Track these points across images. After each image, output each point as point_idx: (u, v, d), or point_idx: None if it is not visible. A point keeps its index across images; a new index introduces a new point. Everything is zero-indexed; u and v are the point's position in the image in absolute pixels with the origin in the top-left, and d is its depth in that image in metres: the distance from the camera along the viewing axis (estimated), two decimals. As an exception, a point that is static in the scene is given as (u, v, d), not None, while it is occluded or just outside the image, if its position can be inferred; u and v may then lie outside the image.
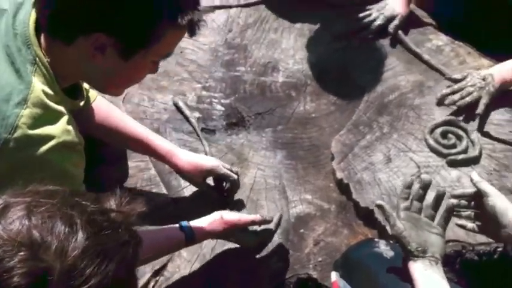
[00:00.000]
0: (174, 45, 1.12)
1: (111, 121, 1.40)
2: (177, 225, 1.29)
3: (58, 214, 0.62)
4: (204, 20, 1.10)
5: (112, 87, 1.18)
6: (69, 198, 0.67)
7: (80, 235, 0.62)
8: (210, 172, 1.43)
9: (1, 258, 0.59)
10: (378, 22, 1.79)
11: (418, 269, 1.10)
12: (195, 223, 1.30)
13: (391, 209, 1.17)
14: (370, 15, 1.81)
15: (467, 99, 1.55)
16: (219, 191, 1.47)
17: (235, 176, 1.44)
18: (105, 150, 1.50)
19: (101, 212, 0.67)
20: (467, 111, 1.57)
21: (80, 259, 0.62)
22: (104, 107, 1.40)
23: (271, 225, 1.37)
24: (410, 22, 1.83)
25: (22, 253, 0.59)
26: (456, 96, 1.57)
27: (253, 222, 1.34)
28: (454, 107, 1.58)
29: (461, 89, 1.58)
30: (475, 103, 1.54)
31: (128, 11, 1.00)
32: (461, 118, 1.57)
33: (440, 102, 1.58)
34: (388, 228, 1.35)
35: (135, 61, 1.07)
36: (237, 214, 1.36)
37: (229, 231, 1.32)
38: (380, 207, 1.18)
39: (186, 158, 1.43)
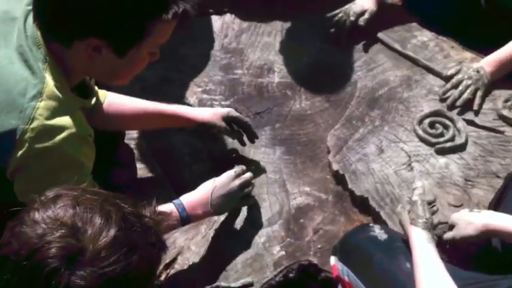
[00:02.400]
0: (166, 36, 1.18)
1: (125, 108, 1.50)
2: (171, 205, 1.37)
3: (98, 208, 0.73)
4: (194, 9, 1.14)
5: (116, 80, 1.26)
6: (110, 199, 0.77)
7: (113, 227, 0.73)
8: (227, 115, 1.57)
9: (45, 233, 0.71)
10: (351, 19, 1.87)
11: (420, 236, 1.18)
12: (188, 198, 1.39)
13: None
14: (339, 14, 1.89)
15: (465, 95, 1.65)
16: (238, 137, 1.61)
17: (248, 120, 1.61)
18: (117, 155, 1.61)
19: (135, 215, 0.78)
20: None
21: (109, 246, 0.72)
22: (115, 99, 1.50)
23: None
24: (394, 19, 1.93)
25: (63, 231, 0.71)
26: (456, 93, 1.66)
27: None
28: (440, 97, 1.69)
29: (459, 82, 1.67)
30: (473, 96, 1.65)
31: (116, 15, 1.08)
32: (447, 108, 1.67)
33: (442, 100, 1.68)
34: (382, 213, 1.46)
35: (131, 56, 1.15)
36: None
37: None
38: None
39: (202, 110, 1.59)
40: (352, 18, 1.87)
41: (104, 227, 0.73)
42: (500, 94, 1.69)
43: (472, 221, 1.24)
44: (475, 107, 1.63)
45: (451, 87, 1.68)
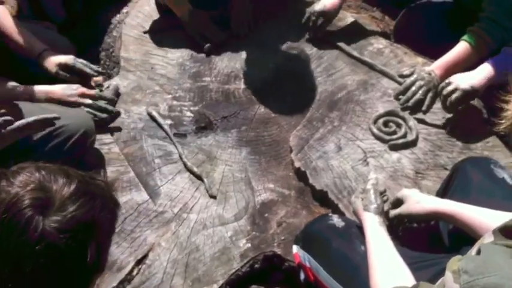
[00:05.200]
0: None
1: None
2: None
3: (59, 171, 0.85)
4: None
5: None
6: (65, 167, 0.88)
7: (74, 182, 0.86)
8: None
9: (17, 192, 0.82)
10: (312, 18, 2.01)
11: (372, 219, 1.29)
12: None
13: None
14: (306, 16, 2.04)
15: (417, 96, 1.77)
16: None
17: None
18: (85, 158, 1.69)
19: (89, 176, 0.90)
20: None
21: (73, 195, 0.85)
22: None
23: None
24: (354, 31, 2.07)
25: (33, 185, 0.83)
26: (410, 93, 1.79)
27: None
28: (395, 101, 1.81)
29: (413, 83, 1.80)
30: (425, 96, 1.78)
31: None
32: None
33: (397, 100, 1.81)
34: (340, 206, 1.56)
35: None
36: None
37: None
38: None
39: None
40: (313, 18, 2.00)
41: (66, 182, 0.86)
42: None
43: (421, 200, 1.35)
44: (425, 107, 1.75)
45: (405, 88, 1.81)
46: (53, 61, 1.82)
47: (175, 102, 1.92)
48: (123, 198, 1.64)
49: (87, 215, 0.84)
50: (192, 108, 1.90)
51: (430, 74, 1.80)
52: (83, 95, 1.78)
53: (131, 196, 1.66)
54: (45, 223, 0.81)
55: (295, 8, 2.16)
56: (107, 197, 0.91)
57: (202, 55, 2.05)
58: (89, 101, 1.78)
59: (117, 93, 1.92)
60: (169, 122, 1.86)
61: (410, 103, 1.78)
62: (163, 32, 2.13)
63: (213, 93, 1.94)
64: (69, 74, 1.83)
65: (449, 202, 1.34)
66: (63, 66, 1.82)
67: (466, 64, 1.79)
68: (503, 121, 0.91)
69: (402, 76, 1.86)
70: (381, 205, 1.34)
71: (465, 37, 1.78)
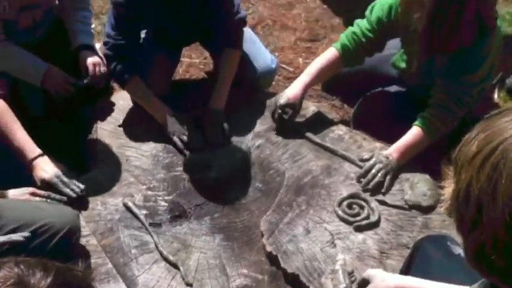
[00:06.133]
0: None
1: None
2: None
3: (37, 265, 0.93)
4: None
5: None
6: (43, 259, 0.96)
7: (51, 275, 0.92)
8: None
9: None
10: (278, 111, 2.15)
11: None
12: None
13: None
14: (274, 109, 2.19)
15: (377, 178, 1.91)
16: None
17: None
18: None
19: (67, 268, 0.98)
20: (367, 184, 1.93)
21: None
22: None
23: None
24: (316, 119, 2.23)
25: (12, 280, 0.89)
26: (370, 176, 1.93)
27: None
28: (357, 184, 1.95)
29: (372, 167, 1.94)
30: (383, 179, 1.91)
31: None
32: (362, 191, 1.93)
33: (359, 183, 1.94)
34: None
35: None
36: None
37: None
38: None
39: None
40: (279, 111, 2.14)
41: (43, 275, 0.91)
42: (407, 177, 1.97)
43: (385, 279, 1.44)
44: (384, 189, 1.89)
45: (365, 171, 1.95)
46: (39, 175, 1.85)
47: (149, 193, 2.01)
48: (101, 289, 1.68)
49: None
50: (166, 198, 1.99)
51: (387, 157, 1.96)
52: (33, 194, 1.81)
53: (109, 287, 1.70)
54: None
55: (257, 100, 2.31)
56: (84, 287, 0.97)
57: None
58: (38, 198, 1.81)
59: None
60: (144, 212, 1.93)
61: (370, 185, 1.91)
62: (137, 125, 2.24)
63: (186, 183, 2.04)
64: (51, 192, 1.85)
65: (411, 279, 1.44)
66: (45, 184, 1.85)
67: (419, 147, 1.96)
68: (443, 203, 1.01)
69: (362, 160, 2.01)
70: (349, 285, 1.43)
71: (417, 122, 1.96)
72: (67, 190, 1.86)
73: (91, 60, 2.13)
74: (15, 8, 2.07)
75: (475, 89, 1.94)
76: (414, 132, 1.97)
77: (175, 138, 2.13)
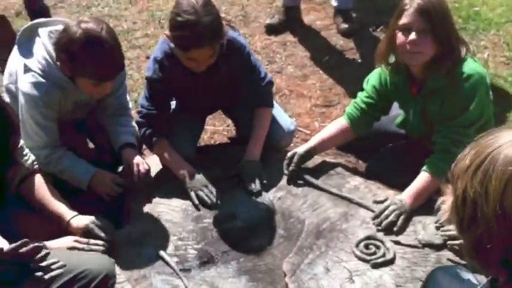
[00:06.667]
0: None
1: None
2: None
3: None
4: None
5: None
6: None
7: None
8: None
9: None
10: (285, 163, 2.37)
11: None
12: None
13: None
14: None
15: (391, 217, 2.06)
16: None
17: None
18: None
19: None
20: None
21: None
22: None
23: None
24: (334, 172, 2.41)
25: None
26: (383, 216, 2.08)
27: None
28: (372, 227, 2.09)
29: (386, 208, 2.10)
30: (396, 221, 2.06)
31: None
32: (378, 233, 2.06)
33: (374, 223, 2.09)
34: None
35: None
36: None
37: None
38: None
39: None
40: (286, 161, 2.34)
41: None
42: (419, 219, 2.10)
43: None
44: (397, 228, 2.02)
45: (380, 212, 2.10)
46: (76, 225, 2.06)
47: (180, 243, 2.17)
48: (136, 329, 1.81)
49: None
50: (195, 246, 2.14)
51: (401, 201, 2.10)
52: (76, 241, 2.00)
53: (144, 327, 1.83)
54: None
55: (277, 158, 2.49)
56: None
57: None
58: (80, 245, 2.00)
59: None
60: (175, 259, 2.08)
61: (383, 224, 2.05)
62: (167, 183, 2.44)
63: (214, 232, 2.20)
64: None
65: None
66: (83, 231, 2.05)
67: (429, 190, 2.11)
68: (443, 214, 1.17)
69: (377, 202, 2.16)
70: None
71: (424, 168, 2.13)
72: (102, 234, 2.05)
73: (136, 160, 2.31)
74: None
75: (472, 127, 2.10)
76: (423, 177, 2.12)
77: (192, 194, 2.31)
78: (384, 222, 2.05)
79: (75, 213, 2.10)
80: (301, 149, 2.36)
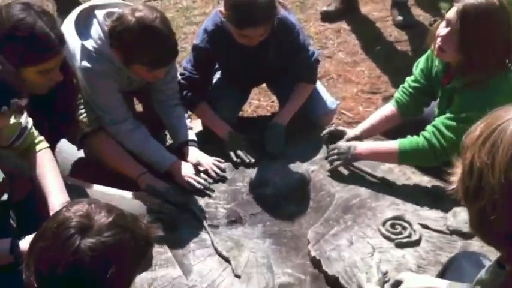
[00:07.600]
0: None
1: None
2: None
3: (104, 206, 1.18)
4: None
5: None
6: (113, 206, 1.21)
7: (112, 216, 1.16)
8: None
9: (70, 215, 1.15)
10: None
11: None
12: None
13: None
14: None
15: (335, 163, 2.27)
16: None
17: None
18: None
19: (132, 216, 1.21)
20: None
21: (108, 225, 1.14)
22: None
23: None
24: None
25: (81, 213, 1.15)
26: (330, 158, 2.29)
27: None
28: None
29: (333, 149, 2.28)
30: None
31: None
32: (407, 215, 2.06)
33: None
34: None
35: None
36: None
37: None
38: None
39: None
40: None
41: (107, 215, 1.15)
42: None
43: (417, 279, 1.55)
44: (328, 170, 2.29)
45: (329, 150, 2.32)
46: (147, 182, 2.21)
47: (211, 201, 2.23)
48: (160, 272, 1.89)
49: (115, 243, 1.12)
50: (225, 206, 2.20)
51: (349, 148, 2.25)
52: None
53: (167, 271, 1.90)
54: (81, 243, 1.10)
55: (315, 134, 2.51)
56: (138, 233, 1.18)
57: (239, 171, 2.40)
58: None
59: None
60: (205, 215, 2.15)
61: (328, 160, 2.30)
62: (206, 145, 2.51)
63: (244, 195, 2.25)
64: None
65: (442, 281, 1.55)
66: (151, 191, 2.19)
67: (384, 157, 2.26)
68: (452, 185, 1.17)
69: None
70: (382, 279, 1.56)
71: (400, 139, 2.20)
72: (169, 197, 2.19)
73: (205, 160, 2.35)
74: None
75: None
76: (390, 144, 2.21)
77: (232, 154, 2.39)
78: (328, 159, 2.28)
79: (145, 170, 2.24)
80: (350, 133, 2.38)
